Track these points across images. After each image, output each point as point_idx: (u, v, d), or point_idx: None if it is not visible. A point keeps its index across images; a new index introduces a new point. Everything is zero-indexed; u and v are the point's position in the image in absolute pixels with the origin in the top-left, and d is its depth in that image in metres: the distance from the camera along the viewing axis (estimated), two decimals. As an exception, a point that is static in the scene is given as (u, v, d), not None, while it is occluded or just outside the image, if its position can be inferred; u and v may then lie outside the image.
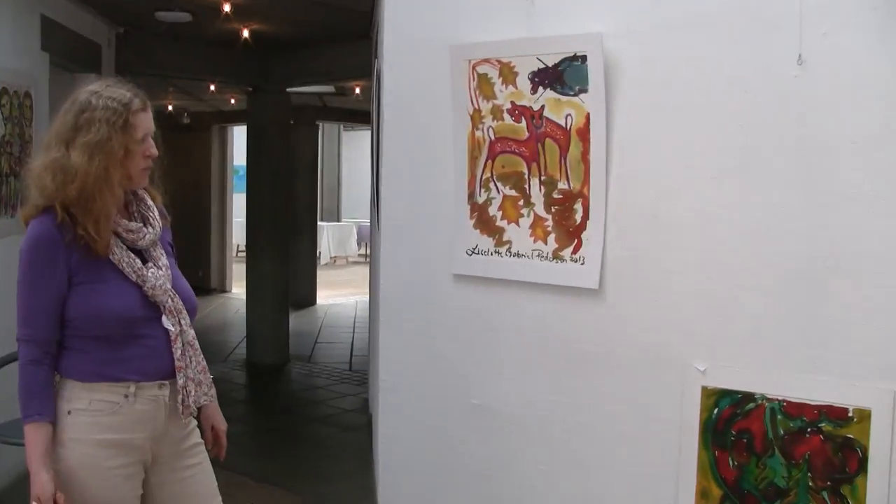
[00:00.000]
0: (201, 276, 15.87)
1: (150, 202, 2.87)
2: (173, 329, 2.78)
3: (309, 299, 14.49)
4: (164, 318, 2.74)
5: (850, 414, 3.62)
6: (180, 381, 2.77)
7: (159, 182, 2.93)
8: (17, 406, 5.13)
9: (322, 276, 15.75)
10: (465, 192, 4.56)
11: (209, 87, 11.44)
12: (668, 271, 4.02)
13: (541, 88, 4.23)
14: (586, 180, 4.16)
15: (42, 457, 2.64)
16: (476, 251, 4.55)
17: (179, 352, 2.79)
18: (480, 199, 4.52)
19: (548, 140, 4.25)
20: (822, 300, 3.66)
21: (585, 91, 4.09)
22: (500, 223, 4.46)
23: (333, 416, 7.61)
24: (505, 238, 4.44)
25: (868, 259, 3.56)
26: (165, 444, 2.81)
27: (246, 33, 8.00)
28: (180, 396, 2.78)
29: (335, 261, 21.58)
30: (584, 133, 4.13)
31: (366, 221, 22.67)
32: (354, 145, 24.63)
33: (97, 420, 2.70)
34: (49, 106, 6.03)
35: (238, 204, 17.97)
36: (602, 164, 4.11)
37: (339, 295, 15.61)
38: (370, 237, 8.17)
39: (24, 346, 2.68)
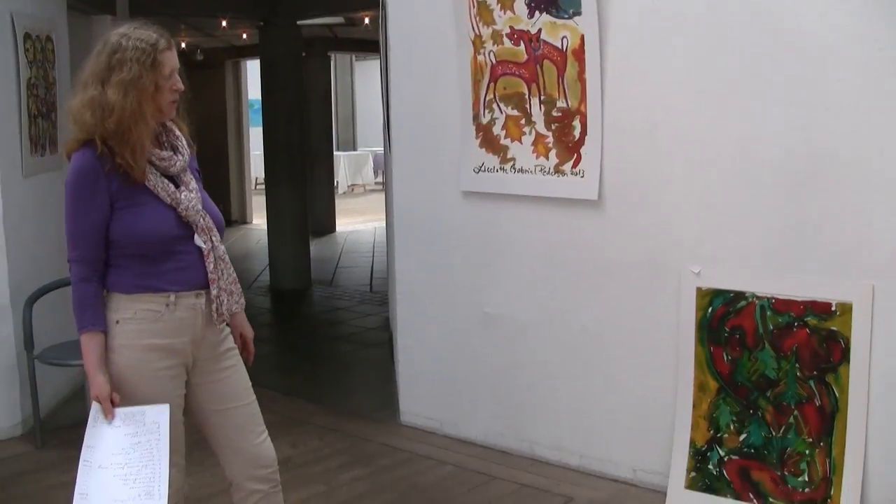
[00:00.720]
0: (222, 209, 15.96)
1: (177, 132, 3.07)
2: (205, 246, 2.95)
3: (328, 227, 14.72)
4: (196, 236, 2.98)
5: (834, 308, 3.88)
6: (214, 292, 2.99)
7: (184, 114, 3.17)
8: (59, 332, 5.46)
9: (340, 204, 15.93)
10: (469, 113, 4.80)
11: (220, 24, 11.57)
12: (662, 182, 4.26)
13: (537, 13, 4.44)
14: (583, 98, 4.39)
15: (98, 362, 2.86)
16: (482, 169, 4.80)
17: (212, 265, 2.97)
18: (485, 120, 4.75)
19: (546, 61, 4.48)
20: (806, 204, 3.90)
21: (579, 14, 4.30)
22: (504, 142, 4.70)
23: (355, 334, 7.93)
24: (509, 155, 4.69)
25: (847, 164, 3.79)
26: (203, 349, 3.04)
27: (256, -33, 8.17)
28: (214, 305, 3.03)
29: (353, 189, 21.76)
30: (580, 54, 4.35)
31: (381, 150, 22.79)
32: (367, 76, 24.61)
33: (142, 327, 2.90)
34: (69, 48, 6.24)
35: (255, 137, 18.13)
36: (597, 82, 4.33)
37: (357, 222, 15.82)
38: (384, 163, 8.38)
39: (75, 266, 2.89)
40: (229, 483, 3.17)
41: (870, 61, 3.69)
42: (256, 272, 11.38)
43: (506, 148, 4.69)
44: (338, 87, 21.51)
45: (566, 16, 4.34)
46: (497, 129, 4.70)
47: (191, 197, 2.97)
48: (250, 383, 3.20)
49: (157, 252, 2.92)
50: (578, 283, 4.59)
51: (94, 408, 2.85)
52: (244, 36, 14.01)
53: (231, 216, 16.65)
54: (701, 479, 4.20)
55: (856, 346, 3.84)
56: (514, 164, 4.68)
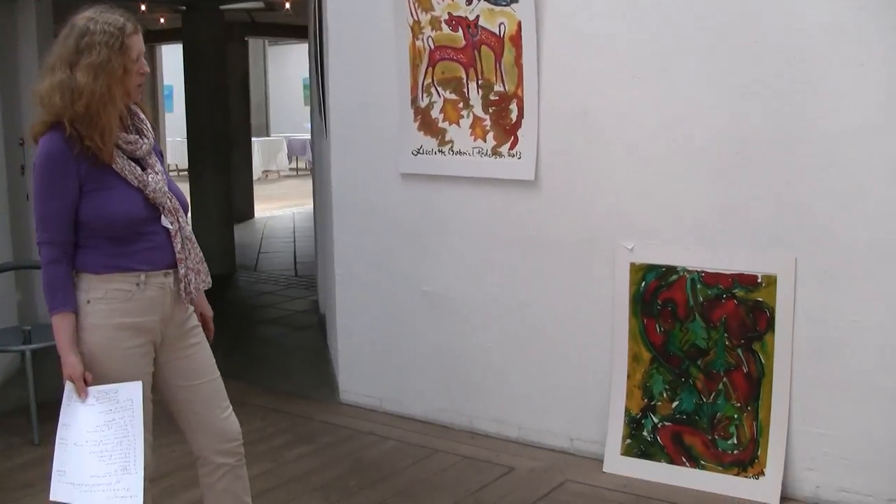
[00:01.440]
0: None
1: (142, 116, 3.13)
2: (172, 227, 3.02)
3: (247, 213, 14.70)
4: (163, 217, 3.03)
5: (759, 280, 4.11)
6: (181, 271, 3.05)
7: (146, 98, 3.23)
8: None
9: (257, 190, 15.92)
10: (408, 97, 4.93)
11: (139, 7, 11.49)
12: (596, 162, 4.45)
13: (475, 0, 4.59)
14: (520, 83, 4.55)
15: (70, 342, 2.92)
16: (421, 151, 4.94)
17: (179, 246, 3.04)
18: (423, 104, 4.89)
19: (483, 47, 4.63)
20: (733, 183, 4.12)
21: (516, 1, 4.46)
22: (443, 125, 4.85)
23: (285, 317, 8.01)
24: (447, 138, 4.84)
25: (772, 145, 4.02)
26: (171, 326, 3.10)
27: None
28: (182, 284, 3.08)
29: (267, 175, 21.69)
30: (517, 40, 4.51)
31: (296, 135, 22.75)
32: (280, 61, 24.60)
33: (113, 307, 2.96)
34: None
35: (170, 124, 17.97)
36: (534, 67, 4.50)
37: (275, 208, 15.83)
38: (311, 147, 8.42)
39: (46, 248, 2.94)
40: (196, 457, 3.25)
41: (794, 49, 3.91)
42: (178, 258, 11.37)
43: (444, 131, 4.84)
44: (251, 73, 21.39)
45: (504, 3, 4.49)
46: (435, 113, 4.84)
47: (157, 179, 3.03)
48: (214, 360, 3.27)
49: (126, 233, 2.98)
50: (516, 261, 4.76)
51: (68, 387, 2.91)
52: (161, 20, 13.91)
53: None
54: (636, 445, 4.41)
55: (780, 315, 4.08)
56: (452, 147, 4.82)
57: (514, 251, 4.75)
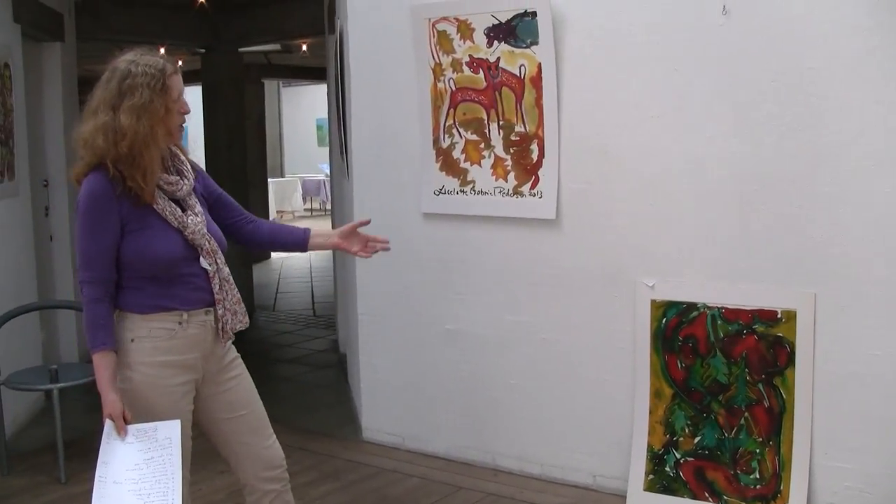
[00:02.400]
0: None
1: (182, 157, 3.21)
2: (210, 268, 3.08)
3: (263, 254, 14.78)
4: (201, 259, 3.08)
5: (779, 315, 4.15)
6: (219, 312, 3.10)
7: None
8: (23, 358, 5.52)
9: (272, 230, 15.97)
10: (430, 138, 5.02)
11: (159, 50, 11.57)
12: (616, 200, 4.52)
13: (496, 42, 4.69)
14: (541, 123, 4.63)
15: (110, 380, 2.96)
16: (443, 191, 5.02)
17: (217, 287, 3.09)
18: (445, 144, 4.97)
19: (504, 88, 4.72)
20: (751, 219, 4.18)
21: (536, 43, 4.55)
22: (464, 165, 4.93)
23: (305, 356, 8.06)
24: (469, 178, 4.91)
25: (789, 181, 4.08)
26: (212, 362, 3.16)
27: (201, -4, 8.33)
28: (220, 325, 3.12)
29: (282, 216, 21.79)
30: (537, 81, 4.60)
31: (310, 176, 22.90)
32: (294, 102, 24.77)
33: (157, 345, 3.02)
34: (24, 75, 6.32)
35: (185, 164, 18.06)
36: (554, 108, 4.58)
37: (290, 248, 15.89)
38: (332, 187, 8.51)
39: (88, 287, 2.98)
40: (243, 485, 3.33)
41: (811, 86, 3.98)
42: (197, 298, 11.45)
43: (465, 171, 4.92)
44: (266, 114, 21.57)
45: (524, 45, 4.59)
46: (457, 153, 4.93)
47: (196, 221, 3.09)
48: (255, 389, 3.34)
49: (167, 274, 3.04)
50: (538, 299, 4.82)
51: (108, 425, 2.96)
52: (180, 62, 14.09)
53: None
54: (659, 481, 4.44)
55: (800, 350, 4.12)
56: (473, 187, 4.90)
57: (536, 289, 4.81)
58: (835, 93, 3.93)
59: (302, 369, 7.75)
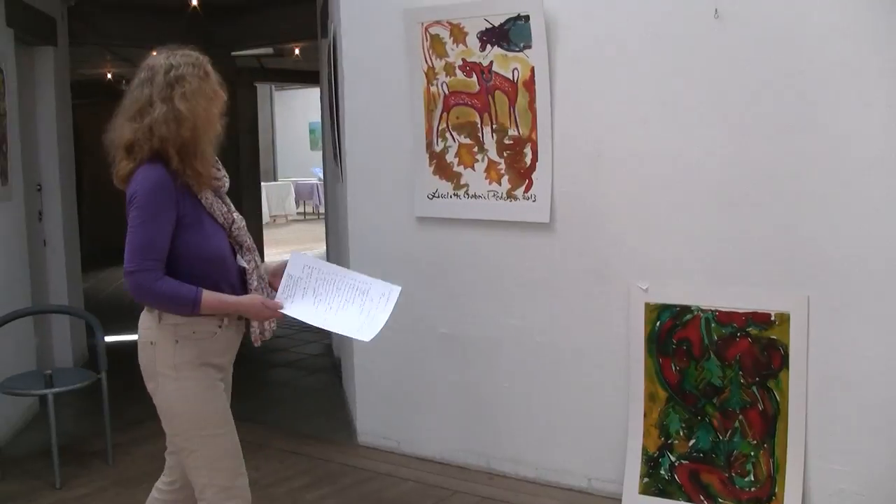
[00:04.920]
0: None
1: (215, 157, 3.20)
2: (249, 266, 3.10)
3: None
4: (239, 256, 3.11)
5: (773, 318, 4.16)
6: None
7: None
8: (17, 363, 5.51)
9: (266, 234, 15.98)
10: (423, 142, 5.02)
11: (151, 52, 11.59)
12: (610, 203, 4.53)
13: (489, 46, 4.69)
14: (534, 126, 4.64)
15: (231, 299, 2.98)
16: (436, 195, 5.02)
17: (255, 283, 3.10)
18: (438, 148, 4.98)
19: (497, 92, 4.72)
20: (744, 222, 4.20)
21: (529, 47, 4.56)
22: (458, 169, 4.93)
23: (299, 360, 8.06)
24: (462, 182, 4.92)
25: (781, 184, 4.09)
26: (231, 360, 3.23)
27: (195, 1, 8.28)
28: (256, 327, 3.12)
29: (275, 220, 21.78)
30: (530, 85, 4.61)
31: (303, 180, 22.88)
32: (288, 105, 24.76)
33: (201, 346, 3.02)
34: (17, 79, 6.31)
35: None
36: (547, 111, 4.59)
37: (285, 252, 15.87)
38: (326, 191, 8.50)
39: (146, 274, 2.91)
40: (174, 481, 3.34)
41: (803, 87, 4.00)
42: (191, 302, 11.45)
43: (459, 175, 4.92)
44: (259, 118, 21.57)
45: (517, 49, 4.59)
46: (450, 157, 4.93)
47: (240, 217, 3.15)
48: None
49: (214, 271, 3.04)
50: (532, 302, 4.82)
51: (294, 307, 3.09)
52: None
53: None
54: (654, 484, 4.44)
55: (794, 353, 4.13)
56: (467, 190, 4.90)
57: (530, 292, 4.82)
58: (827, 95, 3.94)
59: (296, 373, 7.75)
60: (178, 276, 2.98)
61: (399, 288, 3.23)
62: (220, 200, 3.11)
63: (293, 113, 24.95)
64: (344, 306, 3.15)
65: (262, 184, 17.44)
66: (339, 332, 3.15)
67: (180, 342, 3.02)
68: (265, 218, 19.75)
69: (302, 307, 3.08)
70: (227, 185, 3.19)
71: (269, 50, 12.27)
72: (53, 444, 5.02)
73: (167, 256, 2.96)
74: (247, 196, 14.23)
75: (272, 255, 15.37)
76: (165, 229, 2.95)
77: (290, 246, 16.91)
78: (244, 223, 3.16)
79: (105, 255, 14.28)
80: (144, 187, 2.95)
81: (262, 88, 22.47)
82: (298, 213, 23.15)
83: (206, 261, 3.02)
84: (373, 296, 3.22)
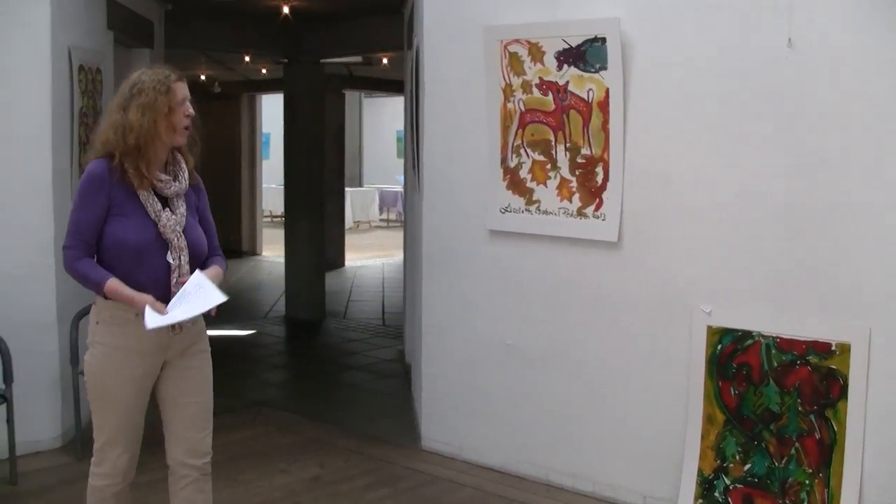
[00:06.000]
0: (232, 240, 16.30)
1: (183, 165, 3.58)
2: (173, 262, 3.45)
3: (338, 261, 14.99)
4: (168, 253, 3.44)
5: (833, 348, 4.19)
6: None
7: (196, 150, 3.63)
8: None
9: (347, 239, 16.21)
10: (498, 157, 5.13)
11: (243, 58, 11.94)
12: (677, 225, 4.59)
13: (565, 66, 4.79)
14: (606, 147, 4.72)
15: (130, 291, 3.33)
16: (508, 209, 5.13)
17: (175, 280, 3.44)
18: (512, 164, 5.09)
19: (572, 111, 4.81)
20: (807, 249, 4.23)
21: (605, 68, 4.64)
22: (530, 185, 5.03)
23: (371, 364, 8.21)
24: (534, 198, 5.02)
25: (844, 212, 4.13)
26: (172, 349, 3.52)
27: (286, 9, 8.51)
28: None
29: (358, 225, 22.05)
30: (604, 105, 4.69)
31: (388, 187, 23.15)
32: (376, 113, 25.07)
33: (114, 330, 3.42)
34: (114, 79, 6.56)
35: (266, 170, 18.47)
36: (620, 132, 4.67)
37: (365, 257, 16.11)
38: (405, 199, 8.66)
39: (71, 251, 3.40)
40: (169, 467, 3.62)
41: (866, 121, 4.03)
42: (270, 302, 11.67)
43: (531, 190, 5.02)
44: (346, 124, 21.87)
45: (593, 70, 4.68)
46: (524, 173, 5.03)
47: (171, 217, 3.44)
48: (210, 384, 3.66)
49: (135, 259, 3.39)
50: (596, 319, 4.90)
51: (148, 310, 3.32)
52: (263, 71, 14.39)
53: (241, 246, 16.89)
54: (707, 505, 4.49)
55: (853, 383, 4.14)
56: (538, 206, 5.00)
57: (595, 309, 4.90)
58: (893, 126, 3.96)
59: (367, 377, 7.90)
60: (100, 259, 3.41)
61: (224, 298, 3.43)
62: (155, 198, 3.43)
63: (381, 121, 25.25)
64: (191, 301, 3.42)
65: (347, 189, 17.73)
66: (194, 313, 3.40)
67: (100, 324, 3.43)
68: (348, 223, 20.05)
69: (174, 314, 3.36)
70: (177, 188, 3.49)
71: (358, 58, 12.46)
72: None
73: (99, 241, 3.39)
74: (329, 201, 14.46)
75: (352, 261, 15.60)
76: (93, 216, 3.37)
77: (370, 252, 17.13)
78: (175, 224, 3.44)
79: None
80: (83, 179, 3.40)
81: (352, 96, 22.77)
82: (381, 220, 23.42)
83: (123, 247, 3.37)
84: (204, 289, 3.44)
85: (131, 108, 3.35)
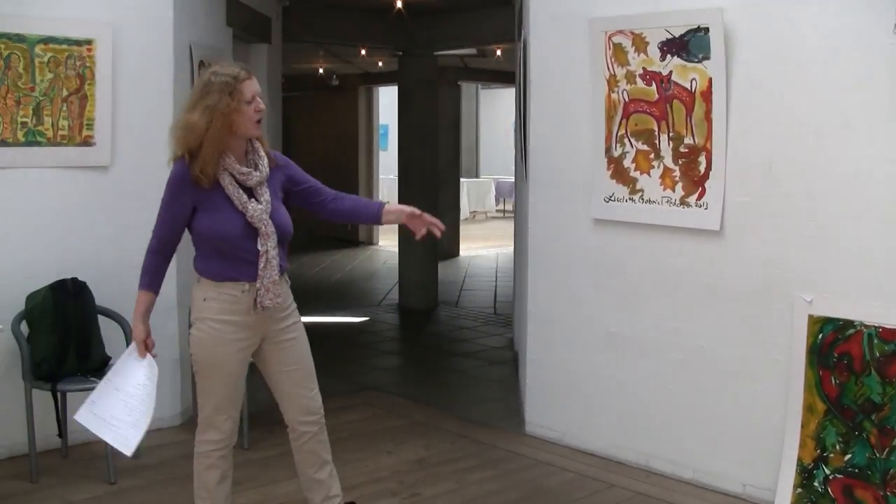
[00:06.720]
0: (350, 230, 16.67)
1: (261, 152, 3.77)
2: (261, 248, 3.66)
3: (452, 251, 15.17)
4: (259, 240, 3.65)
5: (938, 338, 4.15)
6: (258, 285, 3.67)
7: (267, 134, 3.87)
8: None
9: (463, 229, 16.35)
10: (602, 146, 5.20)
11: (360, 52, 12.18)
12: (778, 214, 4.59)
13: (669, 56, 4.83)
14: (709, 136, 4.75)
15: (142, 314, 3.68)
16: (612, 198, 5.19)
17: (262, 265, 3.66)
18: (616, 153, 5.15)
19: (675, 101, 4.85)
20: (915, 240, 4.20)
21: (708, 58, 4.67)
22: (634, 174, 5.09)
23: (481, 352, 8.34)
24: (638, 187, 5.07)
25: (955, 203, 4.08)
26: (270, 324, 3.78)
27: (399, 2, 8.69)
28: (257, 297, 3.67)
29: (474, 216, 22.22)
30: (707, 95, 4.72)
31: (504, 178, 23.21)
32: (492, 104, 25.13)
33: (223, 306, 3.67)
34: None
35: (383, 161, 18.77)
36: (723, 122, 4.70)
37: (480, 247, 16.24)
38: (515, 189, 8.76)
39: (151, 243, 3.70)
40: (287, 426, 3.99)
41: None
42: (384, 291, 11.90)
43: (635, 180, 5.08)
44: (463, 115, 21.99)
45: (696, 59, 4.72)
46: (627, 162, 5.09)
47: (258, 207, 3.64)
48: (309, 352, 3.95)
49: (229, 248, 3.64)
50: (697, 307, 4.93)
51: (132, 346, 3.71)
52: (380, 63, 14.63)
53: (358, 237, 17.22)
54: (807, 495, 4.48)
55: (959, 375, 4.10)
56: (642, 195, 5.05)
57: (696, 297, 4.93)
58: None
59: (476, 363, 8.03)
60: (198, 249, 3.70)
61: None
62: (241, 190, 3.63)
63: (496, 112, 25.31)
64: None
65: (463, 180, 17.88)
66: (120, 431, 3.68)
67: (207, 300, 3.69)
68: (464, 213, 20.20)
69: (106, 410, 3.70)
70: (259, 177, 3.68)
71: (473, 50, 12.58)
72: (244, 411, 5.45)
73: (193, 234, 3.70)
74: (444, 191, 14.63)
75: (467, 251, 15.76)
76: (172, 216, 3.66)
77: (485, 242, 17.25)
78: (262, 213, 3.64)
79: (309, 241, 15.04)
80: (168, 181, 3.65)
81: (469, 87, 22.89)
82: (498, 211, 23.51)
83: (218, 239, 3.63)
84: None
85: (198, 108, 3.54)
